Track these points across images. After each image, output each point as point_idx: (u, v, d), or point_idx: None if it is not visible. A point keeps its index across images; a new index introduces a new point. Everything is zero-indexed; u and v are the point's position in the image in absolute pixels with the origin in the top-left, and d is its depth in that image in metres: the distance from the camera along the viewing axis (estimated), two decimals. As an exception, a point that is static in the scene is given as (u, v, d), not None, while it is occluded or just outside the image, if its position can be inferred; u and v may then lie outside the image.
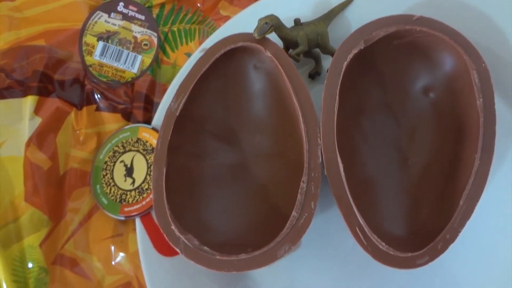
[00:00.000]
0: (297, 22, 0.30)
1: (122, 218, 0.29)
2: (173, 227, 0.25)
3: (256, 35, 0.27)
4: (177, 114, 0.27)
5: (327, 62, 0.32)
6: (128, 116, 0.31)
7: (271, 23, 0.27)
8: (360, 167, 0.28)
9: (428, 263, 0.24)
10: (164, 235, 0.25)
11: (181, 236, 0.25)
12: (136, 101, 0.31)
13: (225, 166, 0.30)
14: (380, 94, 0.30)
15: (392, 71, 0.29)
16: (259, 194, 0.29)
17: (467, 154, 0.26)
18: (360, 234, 0.24)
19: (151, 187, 0.29)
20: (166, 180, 0.26)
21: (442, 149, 0.28)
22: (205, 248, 0.24)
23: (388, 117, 0.30)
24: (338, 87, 0.26)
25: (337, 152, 0.25)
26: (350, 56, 0.26)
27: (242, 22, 0.31)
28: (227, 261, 0.24)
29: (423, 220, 0.27)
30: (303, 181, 0.25)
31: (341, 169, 0.25)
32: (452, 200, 0.26)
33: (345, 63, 0.26)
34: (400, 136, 0.29)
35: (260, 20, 0.27)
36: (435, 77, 0.28)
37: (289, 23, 0.30)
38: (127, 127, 0.31)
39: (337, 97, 0.25)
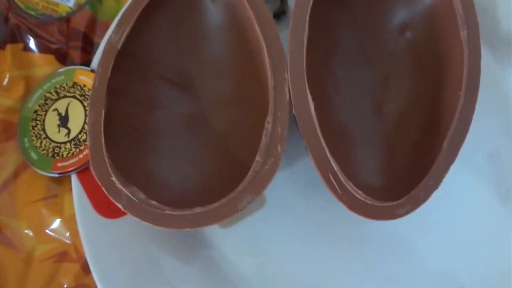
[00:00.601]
0: None
1: (55, 175, 0.24)
2: (113, 178, 0.21)
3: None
4: (119, 47, 0.23)
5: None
6: (63, 58, 0.27)
7: None
8: (331, 114, 0.25)
9: (409, 212, 0.21)
10: (103, 189, 0.21)
11: (123, 189, 0.21)
12: (72, 40, 0.27)
13: (180, 115, 0.26)
14: (353, 34, 0.26)
15: (366, 7, 0.26)
16: (219, 145, 0.25)
17: (450, 94, 0.23)
18: (334, 182, 0.21)
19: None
20: (105, 125, 0.22)
21: (421, 93, 0.25)
22: (153, 202, 0.20)
23: (361, 59, 0.26)
24: (308, 13, 0.22)
25: (307, 88, 0.22)
26: (322, -21, 0.22)
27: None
28: (179, 216, 0.20)
29: (402, 169, 0.24)
30: (267, 122, 0.21)
31: (312, 108, 0.21)
32: (433, 145, 0.23)
33: (316, -14, 0.22)
34: (375, 81, 0.26)
35: None
36: (413, 12, 0.25)
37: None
38: (61, 69, 0.26)
39: (307, 25, 0.22)
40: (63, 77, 0.26)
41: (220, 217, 0.20)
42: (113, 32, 0.23)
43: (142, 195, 0.21)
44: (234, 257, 0.25)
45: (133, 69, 0.25)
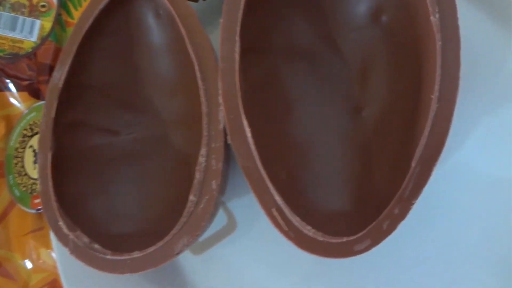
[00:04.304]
0: None
1: (33, 211, 0.25)
2: (60, 223, 0.21)
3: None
4: (60, 85, 0.22)
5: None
6: (36, 93, 0.27)
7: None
8: (294, 126, 0.22)
9: (370, 248, 0.18)
10: (52, 233, 0.21)
11: (69, 234, 0.21)
12: (41, 74, 0.27)
13: (144, 139, 0.25)
14: (318, 26, 0.22)
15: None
16: (180, 169, 0.24)
17: (425, 97, 0.19)
18: (278, 217, 0.18)
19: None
20: (57, 166, 0.22)
21: (403, 91, 0.21)
22: (96, 246, 0.20)
23: (331, 55, 0.23)
24: (239, 20, 0.19)
25: (242, 112, 0.19)
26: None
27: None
28: (120, 261, 0.20)
29: (375, 186, 0.20)
30: (201, 155, 0.19)
31: (248, 134, 0.19)
32: (406, 164, 0.19)
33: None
34: (350, 79, 0.22)
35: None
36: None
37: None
38: (32, 106, 0.27)
39: (238, 34, 0.19)
40: (34, 113, 0.26)
41: (156, 263, 0.19)
42: (55, 70, 0.23)
43: (86, 239, 0.20)
44: (208, 283, 0.24)
45: (89, 98, 0.24)
